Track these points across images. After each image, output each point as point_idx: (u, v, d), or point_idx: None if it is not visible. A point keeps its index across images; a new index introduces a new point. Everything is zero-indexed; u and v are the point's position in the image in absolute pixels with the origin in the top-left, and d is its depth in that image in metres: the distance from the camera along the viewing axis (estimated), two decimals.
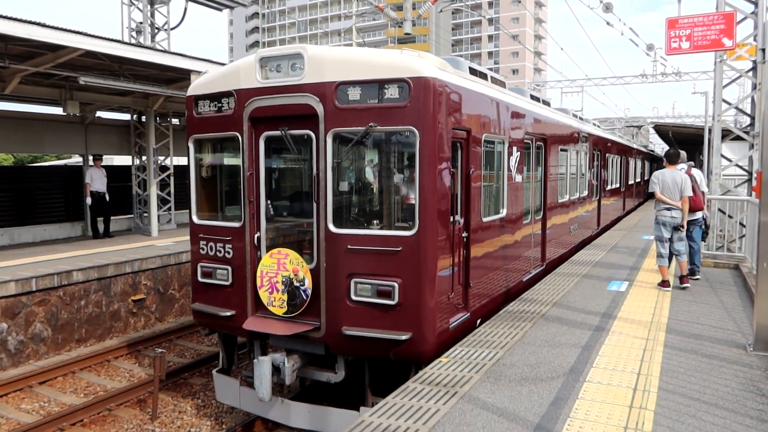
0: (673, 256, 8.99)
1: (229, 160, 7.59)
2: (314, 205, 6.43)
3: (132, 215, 17.43)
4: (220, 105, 7.04)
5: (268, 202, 6.91)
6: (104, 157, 15.98)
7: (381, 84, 6.02)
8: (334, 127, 6.23)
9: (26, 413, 8.28)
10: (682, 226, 8.69)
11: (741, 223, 11.74)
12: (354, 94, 6.12)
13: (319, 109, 6.26)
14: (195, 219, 7.51)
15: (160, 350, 8.26)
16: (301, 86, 6.38)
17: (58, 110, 15.31)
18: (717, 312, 7.71)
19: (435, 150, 6.00)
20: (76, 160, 29.51)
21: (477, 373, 5.44)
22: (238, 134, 6.85)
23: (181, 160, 16.18)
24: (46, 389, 9.08)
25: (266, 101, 6.62)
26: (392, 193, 6.70)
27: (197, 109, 7.31)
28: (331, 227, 6.32)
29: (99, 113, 16.80)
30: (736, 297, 8.58)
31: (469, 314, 7.06)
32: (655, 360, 5.77)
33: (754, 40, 11.25)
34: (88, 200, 15.01)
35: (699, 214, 9.41)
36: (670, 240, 8.80)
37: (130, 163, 17.35)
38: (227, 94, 6.93)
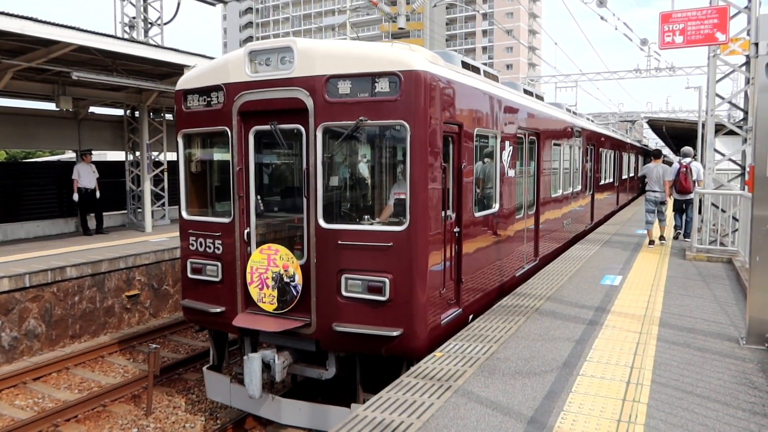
0: (658, 222, 12.59)
1: (218, 155, 7.52)
2: (304, 200, 6.37)
3: (125, 211, 17.36)
4: (209, 99, 6.95)
5: (258, 197, 6.85)
6: (98, 152, 15.86)
7: (371, 77, 5.95)
8: (324, 122, 6.16)
9: (20, 409, 8.27)
10: (663, 202, 12.24)
11: (734, 217, 11.79)
12: (344, 87, 6.05)
13: (309, 103, 6.19)
14: (184, 215, 7.45)
15: (154, 346, 8.26)
16: (290, 80, 6.30)
17: (50, 106, 15.26)
18: (710, 306, 7.74)
19: (426, 144, 5.93)
20: (69, 156, 29.39)
21: (471, 367, 5.45)
22: (227, 129, 6.77)
23: (175, 156, 16.10)
24: (40, 385, 9.06)
25: (255, 95, 6.55)
26: (383, 188, 6.62)
27: (186, 103, 7.22)
28: (322, 222, 6.27)
29: (92, 109, 16.76)
30: (728, 291, 8.62)
31: (461, 310, 7.03)
32: (648, 353, 5.79)
33: (748, 34, 11.27)
34: (75, 196, 14.71)
35: (690, 196, 12.37)
36: (656, 212, 12.37)
37: (124, 159, 17.29)
38: (216, 88, 6.85)
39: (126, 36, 17.10)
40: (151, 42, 17.11)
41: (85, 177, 14.85)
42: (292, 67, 6.30)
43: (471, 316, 7.35)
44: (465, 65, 7.57)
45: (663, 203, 12.21)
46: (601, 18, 22.21)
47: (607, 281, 9.13)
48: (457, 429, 4.23)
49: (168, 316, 12.63)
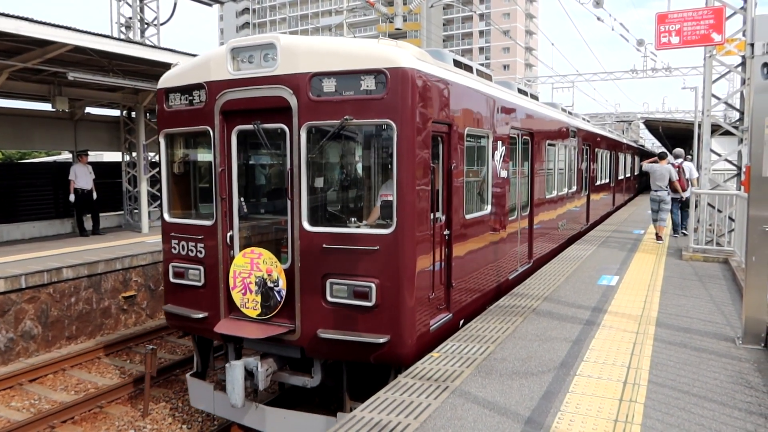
0: (661, 219, 13.36)
1: (201, 156, 7.35)
2: (288, 202, 6.18)
3: (122, 212, 17.32)
4: (191, 98, 6.75)
5: (241, 199, 6.64)
6: (94, 153, 15.80)
7: (357, 75, 5.75)
8: (308, 121, 5.97)
9: (16, 411, 8.24)
10: (664, 200, 13.04)
11: (730, 218, 11.82)
12: (329, 85, 5.86)
13: (293, 101, 6.00)
14: (166, 217, 7.24)
15: (151, 347, 8.22)
16: (273, 78, 6.10)
17: (46, 106, 15.21)
18: (706, 306, 7.76)
19: (413, 144, 5.74)
20: (65, 156, 29.35)
21: (468, 367, 5.46)
22: (209, 128, 6.57)
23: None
24: (37, 387, 9.04)
25: (238, 94, 6.34)
26: (369, 190, 6.45)
27: (168, 102, 7.01)
28: (306, 225, 6.07)
29: (88, 109, 16.71)
30: (725, 291, 8.64)
31: (451, 315, 6.85)
32: (645, 353, 5.81)
33: (743, 35, 11.31)
34: (71, 197, 14.68)
35: (685, 194, 13.54)
36: (658, 210, 13.16)
37: (120, 160, 17.25)
38: (198, 86, 6.64)
39: (122, 36, 17.06)
40: (147, 42, 17.08)
41: (82, 178, 14.81)
42: (276, 64, 6.10)
43: (462, 321, 7.20)
44: (457, 63, 7.41)
45: (663, 201, 13.08)
46: (598, 18, 22.29)
47: (604, 281, 9.14)
48: (454, 429, 4.23)
49: (165, 318, 12.59)
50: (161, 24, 17.83)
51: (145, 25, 17.81)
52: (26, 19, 9.57)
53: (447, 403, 4.69)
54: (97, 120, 17.25)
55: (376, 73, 5.71)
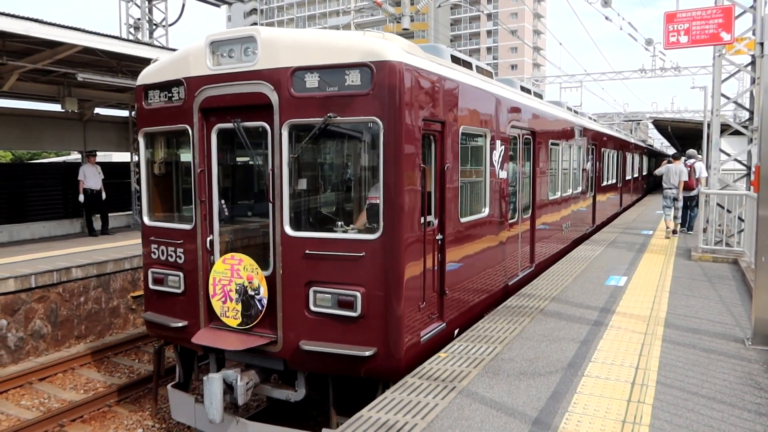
0: (673, 215, 14.32)
1: (180, 156, 7.07)
2: (269, 205, 5.85)
3: (131, 212, 17.41)
4: (169, 95, 6.42)
5: (222, 201, 6.32)
6: (103, 153, 15.90)
7: (341, 69, 5.41)
8: (290, 118, 5.64)
9: (26, 410, 8.30)
10: (677, 198, 14.00)
11: (740, 218, 11.75)
12: (311, 81, 5.53)
13: (274, 98, 5.67)
14: (146, 220, 7.00)
15: (159, 346, 8.24)
16: (253, 73, 5.77)
17: (56, 107, 15.34)
18: (715, 306, 7.72)
19: (401, 143, 5.40)
20: (74, 157, 29.53)
21: (475, 368, 5.45)
22: (188, 127, 6.25)
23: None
24: (46, 386, 9.09)
25: (217, 90, 6.01)
26: (355, 192, 6.16)
27: (147, 100, 6.70)
28: (288, 230, 5.74)
29: (97, 110, 16.82)
30: (734, 291, 8.59)
31: (444, 324, 6.49)
32: (653, 354, 5.78)
33: (753, 34, 11.25)
34: (81, 197, 14.75)
35: (694, 192, 14.18)
36: (671, 206, 14.07)
37: (128, 160, 17.35)
38: (177, 82, 6.34)
39: (131, 37, 17.16)
40: (155, 43, 17.17)
41: (91, 178, 14.87)
42: (256, 58, 5.77)
43: (456, 331, 6.90)
44: (455, 59, 7.17)
45: (677, 199, 14.04)
46: (606, 18, 22.16)
47: (612, 282, 9.11)
48: (461, 430, 4.23)
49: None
50: (170, 25, 17.96)
51: (154, 26, 17.91)
52: (36, 21, 9.65)
53: (454, 403, 4.69)
54: (106, 120, 17.38)
55: (361, 67, 5.38)
